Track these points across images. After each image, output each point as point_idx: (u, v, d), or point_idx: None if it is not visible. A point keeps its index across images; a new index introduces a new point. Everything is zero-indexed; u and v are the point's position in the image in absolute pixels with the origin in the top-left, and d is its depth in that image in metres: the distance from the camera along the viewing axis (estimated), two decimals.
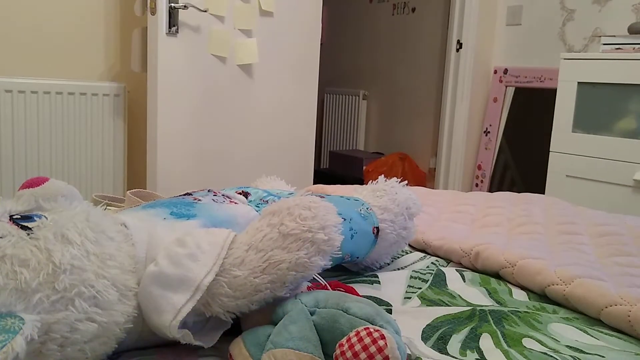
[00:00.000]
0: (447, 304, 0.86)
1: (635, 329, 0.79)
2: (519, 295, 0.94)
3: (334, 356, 0.59)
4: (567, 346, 0.74)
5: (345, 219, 0.87)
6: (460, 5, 3.10)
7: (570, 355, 0.69)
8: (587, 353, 0.71)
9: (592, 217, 1.37)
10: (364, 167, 3.71)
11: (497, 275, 1.02)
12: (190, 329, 0.65)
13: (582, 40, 2.81)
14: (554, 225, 1.30)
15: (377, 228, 0.96)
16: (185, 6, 2.11)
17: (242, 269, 0.65)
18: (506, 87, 3.18)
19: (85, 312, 0.58)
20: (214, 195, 0.87)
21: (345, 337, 0.59)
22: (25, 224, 0.61)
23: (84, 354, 0.60)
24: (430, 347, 0.73)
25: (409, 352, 0.67)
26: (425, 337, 0.75)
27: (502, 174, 3.29)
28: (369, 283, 0.93)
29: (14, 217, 0.62)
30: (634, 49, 2.24)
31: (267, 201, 0.94)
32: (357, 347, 0.57)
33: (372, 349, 0.56)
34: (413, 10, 3.78)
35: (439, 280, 0.96)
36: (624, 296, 0.84)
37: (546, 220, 1.34)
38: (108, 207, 0.95)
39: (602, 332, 0.81)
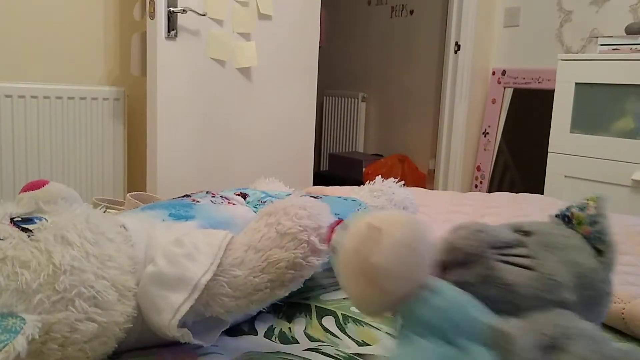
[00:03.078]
0: None
1: (628, 327, 0.80)
2: None
3: None
4: None
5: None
6: (458, 7, 3.11)
7: None
8: None
9: None
10: (364, 169, 3.71)
11: None
12: (190, 329, 0.66)
13: (579, 41, 2.82)
14: None
15: None
16: (184, 10, 2.13)
17: (242, 269, 0.65)
18: (504, 88, 3.19)
19: (85, 312, 0.59)
20: (212, 196, 0.88)
21: None
22: (26, 226, 0.61)
23: (84, 354, 0.60)
24: None
25: None
26: None
27: (502, 175, 3.30)
28: None
29: (15, 219, 0.63)
30: (631, 49, 2.25)
31: (264, 202, 0.95)
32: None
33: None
34: (411, 12, 3.79)
35: None
36: (617, 294, 0.84)
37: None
38: (108, 210, 0.96)
39: None
